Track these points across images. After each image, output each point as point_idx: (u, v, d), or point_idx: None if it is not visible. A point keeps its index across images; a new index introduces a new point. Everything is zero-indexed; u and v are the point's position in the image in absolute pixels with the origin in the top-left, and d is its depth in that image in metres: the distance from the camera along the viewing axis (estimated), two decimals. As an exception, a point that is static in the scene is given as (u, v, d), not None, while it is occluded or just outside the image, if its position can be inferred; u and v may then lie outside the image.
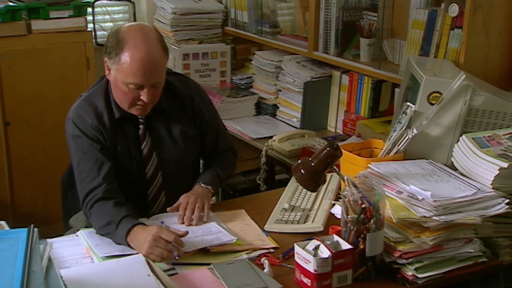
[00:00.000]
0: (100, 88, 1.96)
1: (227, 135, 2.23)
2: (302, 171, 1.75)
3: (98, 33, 3.57)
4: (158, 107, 1.95)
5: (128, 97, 1.86)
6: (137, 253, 1.67)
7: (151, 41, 1.83)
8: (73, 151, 1.92)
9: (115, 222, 1.76)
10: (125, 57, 1.80)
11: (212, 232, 1.83)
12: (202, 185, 1.99)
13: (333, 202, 1.98)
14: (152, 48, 1.82)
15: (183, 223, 1.86)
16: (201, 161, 2.22)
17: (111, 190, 1.86)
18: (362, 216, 1.59)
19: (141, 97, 1.85)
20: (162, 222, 1.80)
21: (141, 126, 1.96)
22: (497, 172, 1.73)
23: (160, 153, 1.99)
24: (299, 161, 1.79)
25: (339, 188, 2.06)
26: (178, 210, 1.91)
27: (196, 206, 1.89)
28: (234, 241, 1.78)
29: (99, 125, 1.90)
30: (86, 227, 1.89)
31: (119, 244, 1.75)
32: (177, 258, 1.66)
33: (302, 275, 1.58)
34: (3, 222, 1.57)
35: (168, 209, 1.92)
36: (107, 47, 1.86)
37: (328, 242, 1.60)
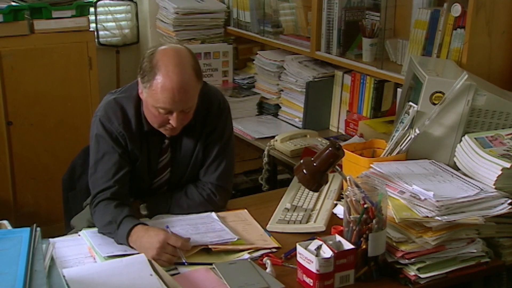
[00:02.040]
0: (133, 96, 1.92)
1: (224, 170, 1.98)
2: (304, 171, 1.75)
3: (101, 33, 3.58)
4: (188, 126, 1.91)
5: (157, 120, 1.85)
6: (139, 254, 1.67)
7: (183, 68, 1.79)
8: (94, 149, 1.92)
9: (117, 222, 1.77)
10: (156, 84, 1.78)
11: (215, 230, 1.83)
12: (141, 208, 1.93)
13: (335, 202, 1.98)
14: (184, 77, 1.78)
15: None
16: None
17: (120, 194, 1.86)
18: (364, 216, 1.58)
19: (170, 121, 1.83)
20: (167, 227, 1.80)
21: (166, 141, 1.95)
22: (500, 172, 1.73)
23: (174, 170, 1.99)
24: (301, 161, 1.79)
25: (341, 188, 2.06)
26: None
27: None
28: (236, 239, 1.79)
29: (125, 131, 1.89)
30: (89, 227, 1.90)
31: (121, 244, 1.76)
32: (186, 263, 1.67)
33: (304, 275, 1.58)
34: (5, 222, 1.57)
35: None
36: (141, 70, 1.84)
37: (330, 242, 1.59)
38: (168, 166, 1.98)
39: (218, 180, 1.98)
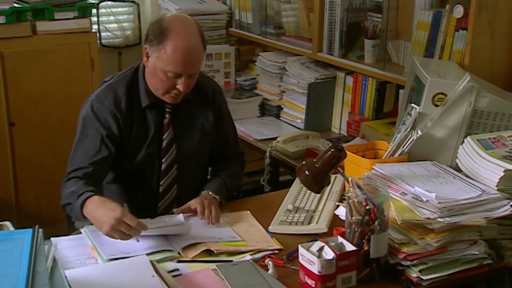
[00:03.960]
0: (125, 77, 1.99)
1: (237, 140, 2.24)
2: (307, 172, 1.75)
3: (103, 34, 3.58)
4: (184, 98, 1.97)
5: (164, 85, 1.90)
6: (141, 255, 1.67)
7: (193, 32, 1.88)
8: (79, 130, 1.98)
9: (78, 193, 1.80)
10: (168, 46, 1.84)
11: (218, 231, 1.84)
12: (210, 193, 1.98)
13: (337, 203, 1.98)
14: (193, 39, 1.87)
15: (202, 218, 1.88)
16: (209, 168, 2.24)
17: (92, 176, 1.89)
18: (366, 217, 1.58)
19: (177, 86, 1.89)
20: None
21: (167, 116, 1.99)
22: (502, 173, 1.72)
23: (180, 146, 2.02)
24: (304, 162, 1.79)
25: (343, 189, 2.06)
26: (184, 212, 1.91)
27: (212, 208, 1.90)
28: (238, 239, 1.79)
29: (115, 109, 1.93)
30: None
31: (78, 219, 1.82)
32: (138, 241, 1.71)
33: (306, 277, 1.58)
34: (8, 223, 1.58)
35: (175, 210, 1.93)
36: (148, 35, 1.90)
37: (333, 244, 1.59)
38: (172, 143, 2.00)
39: (240, 149, 2.25)
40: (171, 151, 2.00)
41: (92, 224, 1.92)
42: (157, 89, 1.93)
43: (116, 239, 1.70)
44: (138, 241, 1.72)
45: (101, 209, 1.73)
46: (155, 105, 1.97)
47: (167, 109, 1.98)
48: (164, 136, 1.99)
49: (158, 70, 1.88)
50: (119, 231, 1.68)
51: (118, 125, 1.93)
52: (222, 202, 2.02)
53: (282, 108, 3.15)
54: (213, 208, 1.90)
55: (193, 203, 1.91)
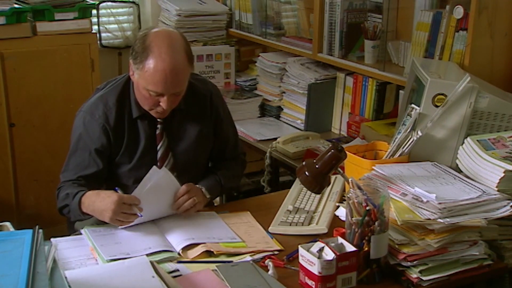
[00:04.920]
0: (117, 87, 1.99)
1: (238, 141, 2.23)
2: (307, 173, 1.75)
3: (103, 35, 3.58)
4: (176, 108, 1.96)
5: (148, 102, 1.90)
6: (141, 255, 1.68)
7: (176, 51, 1.82)
8: (71, 141, 2.01)
9: (73, 193, 1.85)
10: (149, 65, 1.81)
11: (218, 232, 1.84)
12: (203, 191, 1.97)
13: (337, 204, 1.98)
14: (176, 59, 1.82)
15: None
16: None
17: (84, 186, 1.92)
18: (366, 218, 1.58)
19: (161, 104, 1.87)
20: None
21: (159, 126, 1.99)
22: (502, 174, 1.72)
23: (176, 154, 2.02)
24: (304, 163, 1.79)
25: (344, 190, 2.06)
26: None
27: (195, 205, 1.89)
28: (237, 240, 1.80)
29: (105, 122, 1.94)
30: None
31: (78, 220, 1.87)
32: (141, 215, 1.75)
33: (306, 277, 1.58)
34: (8, 223, 1.58)
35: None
36: (133, 51, 1.87)
37: (333, 244, 1.59)
38: (168, 151, 2.00)
39: (241, 149, 2.24)
40: (168, 160, 2.00)
41: (91, 224, 1.94)
42: (143, 105, 1.93)
43: (123, 224, 1.75)
44: (141, 215, 1.76)
45: (97, 200, 1.78)
46: (146, 116, 1.96)
47: (159, 119, 1.97)
48: (159, 147, 1.99)
49: (140, 87, 1.87)
50: (122, 213, 1.73)
51: (107, 137, 1.94)
52: (209, 201, 2.01)
53: (282, 109, 3.15)
54: (195, 205, 1.88)
55: (183, 188, 1.90)
